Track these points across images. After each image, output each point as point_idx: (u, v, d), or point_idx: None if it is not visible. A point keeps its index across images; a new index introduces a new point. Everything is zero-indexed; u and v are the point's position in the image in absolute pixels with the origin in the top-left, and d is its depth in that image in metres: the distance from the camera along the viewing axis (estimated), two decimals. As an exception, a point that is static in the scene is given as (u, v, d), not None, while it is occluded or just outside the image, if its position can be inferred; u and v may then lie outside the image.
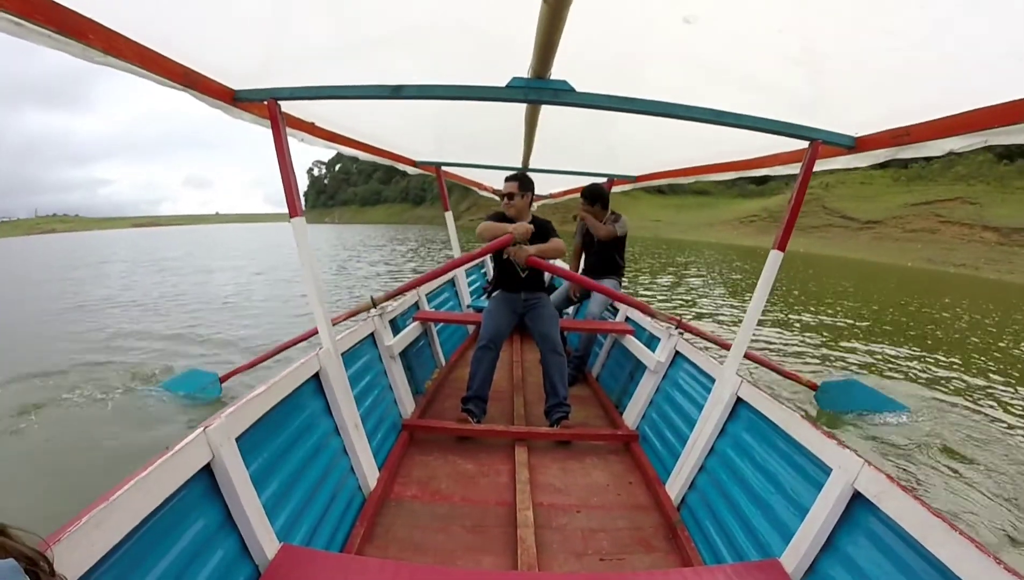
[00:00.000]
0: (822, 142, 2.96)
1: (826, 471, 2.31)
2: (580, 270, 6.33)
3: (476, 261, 8.36)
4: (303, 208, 3.18)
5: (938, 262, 52.42)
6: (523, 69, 2.57)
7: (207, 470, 2.05)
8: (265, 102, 2.97)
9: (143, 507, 1.68)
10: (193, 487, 1.97)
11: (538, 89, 2.67)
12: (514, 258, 4.22)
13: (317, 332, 3.33)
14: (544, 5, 1.75)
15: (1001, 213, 57.10)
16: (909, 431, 6.24)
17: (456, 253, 7.80)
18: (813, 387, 6.21)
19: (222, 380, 6.22)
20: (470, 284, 8.60)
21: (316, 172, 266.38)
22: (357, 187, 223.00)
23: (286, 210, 3.16)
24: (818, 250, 60.59)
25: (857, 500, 2.15)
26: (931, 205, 60.04)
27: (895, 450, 5.79)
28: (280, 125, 3.04)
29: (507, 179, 4.37)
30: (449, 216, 7.81)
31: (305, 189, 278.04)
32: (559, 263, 9.17)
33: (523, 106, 3.38)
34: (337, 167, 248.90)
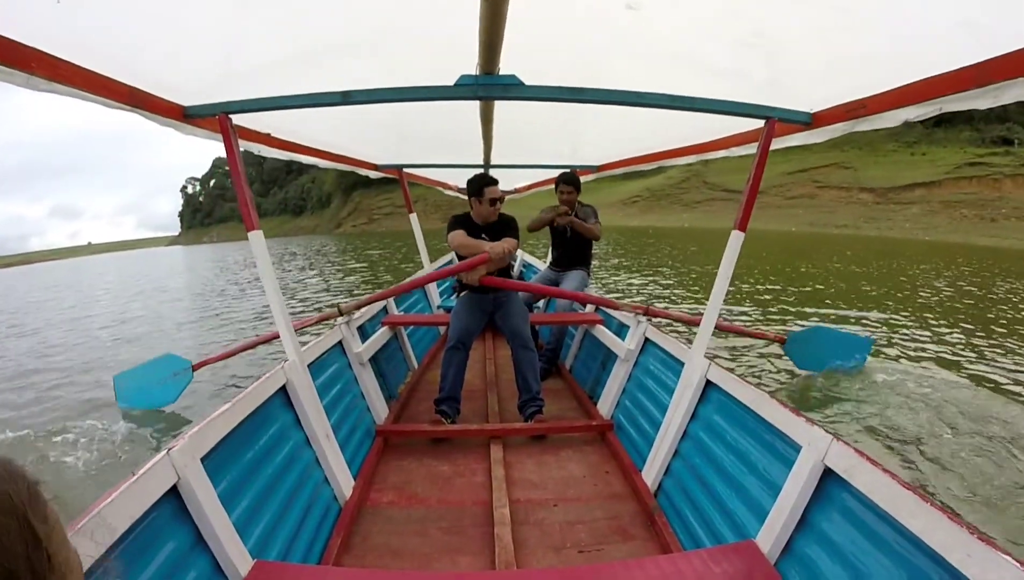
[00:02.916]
0: (778, 120, 3.00)
1: (796, 449, 2.33)
2: (549, 260, 6.34)
3: (444, 261, 8.60)
4: (258, 223, 3.20)
5: (820, 225, 54.76)
6: (471, 67, 2.56)
7: (174, 492, 2.01)
8: (216, 117, 2.95)
9: (109, 534, 1.64)
10: (160, 510, 1.93)
11: (487, 86, 2.68)
12: (466, 281, 4.26)
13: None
14: (483, 1, 1.74)
15: (875, 175, 60.13)
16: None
17: (424, 257, 7.98)
18: (781, 341, 6.48)
19: (195, 368, 6.24)
20: (439, 285, 8.50)
21: (190, 189, 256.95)
22: (234, 202, 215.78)
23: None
24: (703, 224, 62.35)
25: (828, 476, 2.17)
26: (808, 172, 62.88)
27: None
28: (232, 139, 3.03)
29: (489, 183, 4.31)
30: (414, 218, 7.70)
31: (180, 209, 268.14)
32: (528, 258, 9.67)
33: (478, 104, 3.36)
34: (212, 183, 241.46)
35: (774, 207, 61.54)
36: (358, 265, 30.23)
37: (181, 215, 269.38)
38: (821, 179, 63.47)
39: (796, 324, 10.06)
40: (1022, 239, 40.05)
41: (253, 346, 6.24)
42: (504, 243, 4.16)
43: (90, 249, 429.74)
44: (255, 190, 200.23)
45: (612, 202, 77.32)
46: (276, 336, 4.94)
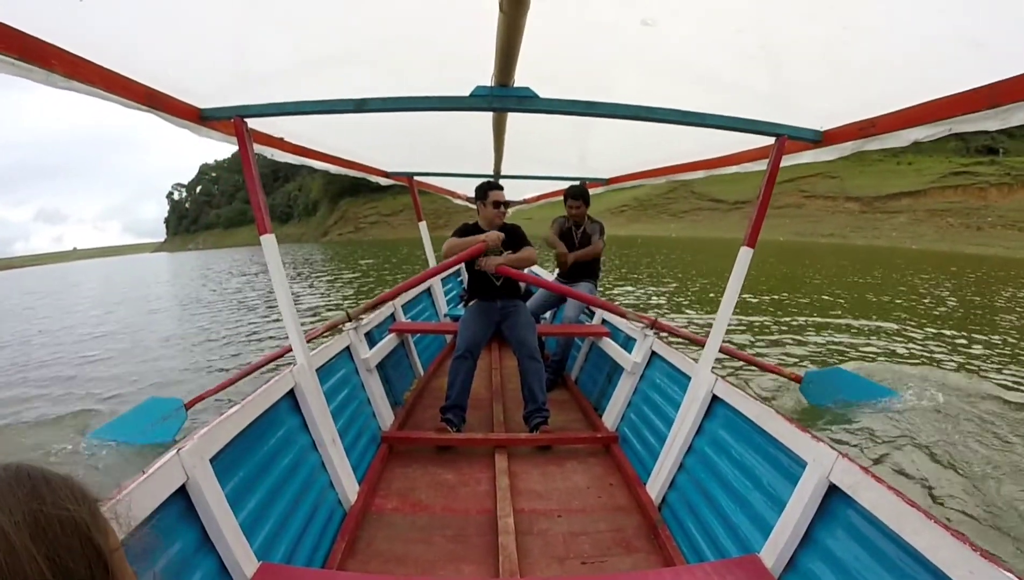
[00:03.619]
0: (788, 137, 3.02)
1: (801, 464, 2.32)
2: (557, 273, 6.40)
3: (452, 270, 8.48)
4: (271, 227, 3.19)
5: (807, 234, 55.06)
6: (486, 78, 2.58)
7: (182, 492, 2.02)
8: (232, 120, 2.97)
9: (116, 532, 1.39)
10: (168, 510, 1.94)
11: (502, 97, 2.69)
12: (484, 267, 4.31)
13: (288, 351, 3.32)
14: (501, 14, 1.76)
15: (861, 184, 60.52)
16: (900, 418, 6.03)
17: (431, 263, 7.80)
18: (797, 380, 6.08)
19: (187, 406, 5.58)
20: (446, 293, 8.57)
21: (176, 196, 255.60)
22: (220, 209, 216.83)
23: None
24: (690, 233, 62.50)
25: (833, 493, 2.16)
26: (794, 181, 63.09)
27: (888, 441, 5.58)
28: (247, 142, 3.05)
29: (494, 188, 4.42)
30: (423, 226, 7.79)
31: (166, 215, 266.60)
32: (536, 269, 9.45)
33: (490, 114, 3.40)
34: (198, 189, 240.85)
35: (761, 216, 61.84)
36: (352, 275, 28.89)
37: (167, 221, 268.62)
38: (807, 189, 63.87)
39: (808, 360, 9.53)
40: (1008, 247, 40.64)
41: (255, 370, 5.84)
42: (494, 233, 4.30)
43: (76, 254, 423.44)
44: (241, 197, 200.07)
45: (600, 211, 75.79)
46: (278, 356, 5.06)
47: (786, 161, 3.25)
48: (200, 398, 5.68)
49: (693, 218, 70.87)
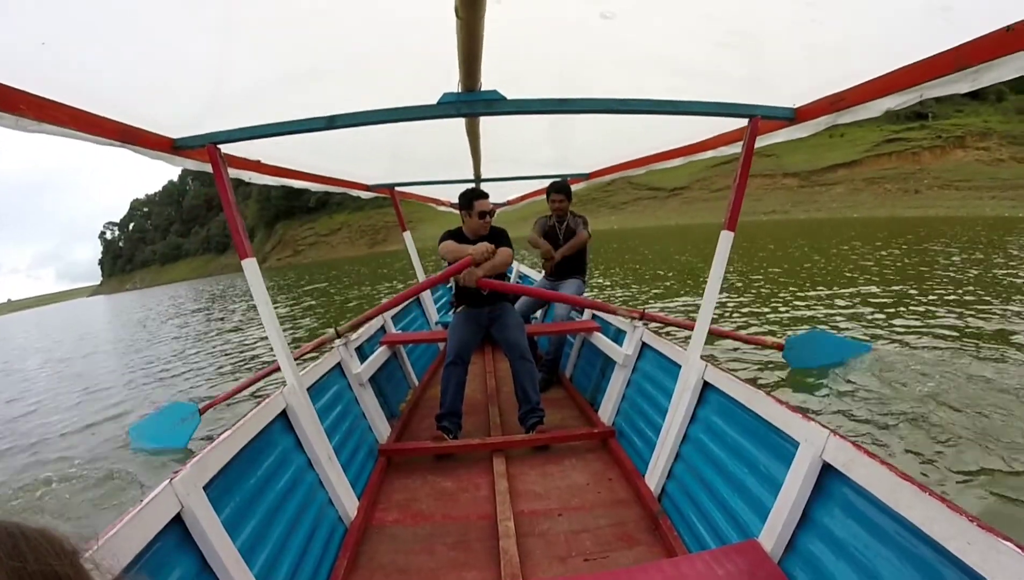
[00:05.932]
0: (762, 117, 3.01)
1: (794, 445, 2.31)
2: (545, 270, 6.39)
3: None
4: (251, 251, 3.19)
5: (748, 213, 55.76)
6: (454, 84, 2.57)
7: (178, 521, 2.02)
8: (205, 147, 2.96)
9: (113, 566, 1.51)
10: (164, 540, 1.94)
11: (470, 102, 2.69)
12: (464, 282, 4.25)
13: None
14: (458, 20, 1.77)
15: (798, 160, 61.50)
16: (878, 366, 6.65)
17: (419, 273, 7.96)
18: (779, 347, 6.37)
19: (202, 411, 6.13)
20: (436, 300, 8.59)
21: (109, 235, 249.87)
22: (155, 245, 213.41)
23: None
24: (631, 224, 62.55)
25: (827, 471, 2.16)
26: (730, 163, 62.88)
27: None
28: (221, 168, 3.04)
29: (479, 197, 4.37)
30: (407, 236, 7.80)
31: (100, 256, 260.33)
32: (524, 269, 9.92)
33: (462, 120, 3.38)
34: (131, 226, 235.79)
35: (700, 201, 62.64)
36: (310, 302, 24.54)
37: (101, 263, 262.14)
38: (745, 169, 64.47)
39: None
40: (947, 206, 41.56)
41: (256, 381, 6.27)
42: (483, 245, 4.21)
43: (10, 306, 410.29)
44: (175, 231, 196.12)
45: (544, 210, 77.32)
46: (277, 369, 4.93)
47: (762, 141, 3.23)
48: (212, 404, 6.26)
49: (633, 209, 71.69)
